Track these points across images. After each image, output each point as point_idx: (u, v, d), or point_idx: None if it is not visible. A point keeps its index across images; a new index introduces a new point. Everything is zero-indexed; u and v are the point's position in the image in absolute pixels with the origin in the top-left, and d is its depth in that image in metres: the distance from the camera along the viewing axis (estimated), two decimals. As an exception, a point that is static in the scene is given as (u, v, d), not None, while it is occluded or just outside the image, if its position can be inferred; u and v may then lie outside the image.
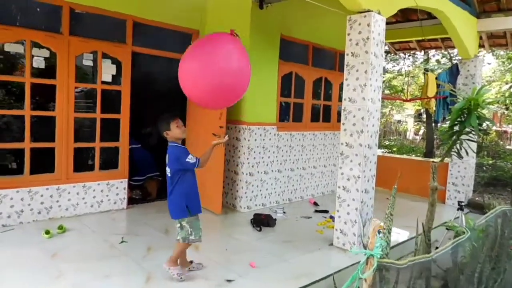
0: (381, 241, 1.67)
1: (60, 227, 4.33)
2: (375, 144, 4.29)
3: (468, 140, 3.31)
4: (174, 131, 3.36)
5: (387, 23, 8.20)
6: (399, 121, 26.35)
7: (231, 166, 5.76)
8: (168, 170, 3.36)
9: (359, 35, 4.16)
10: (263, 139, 5.75)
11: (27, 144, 4.53)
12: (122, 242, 4.17)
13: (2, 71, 4.46)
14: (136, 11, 5.23)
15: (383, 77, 16.28)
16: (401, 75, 16.60)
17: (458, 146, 3.36)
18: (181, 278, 3.35)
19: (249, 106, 5.52)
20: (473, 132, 3.19)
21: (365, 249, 1.72)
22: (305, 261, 3.97)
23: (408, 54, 14.39)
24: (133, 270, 3.51)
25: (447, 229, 4.16)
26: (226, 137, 3.58)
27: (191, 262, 3.64)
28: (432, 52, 14.74)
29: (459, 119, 3.20)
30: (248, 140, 5.54)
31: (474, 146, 6.61)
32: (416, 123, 24.16)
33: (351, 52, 4.24)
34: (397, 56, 14.49)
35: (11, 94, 4.66)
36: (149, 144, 7.28)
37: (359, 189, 4.16)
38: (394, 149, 16.39)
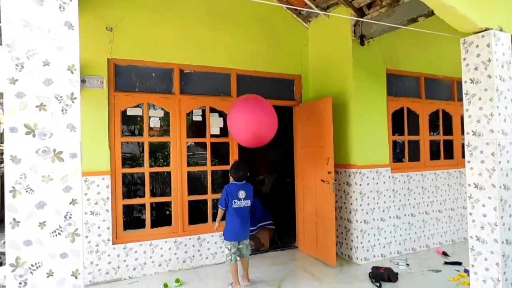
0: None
1: (177, 280, 4.48)
2: (514, 184, 3.56)
3: None
4: None
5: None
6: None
7: (343, 214, 5.40)
8: (248, 201, 4.44)
9: (478, 58, 3.63)
10: (377, 183, 5.30)
11: (147, 199, 4.92)
12: (233, 298, 4.11)
13: (126, 133, 5.02)
14: (239, 64, 5.49)
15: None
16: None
17: None
18: None
19: (358, 148, 5.19)
20: None
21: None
22: (436, 328, 3.35)
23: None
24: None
25: None
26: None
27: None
28: None
29: None
30: (360, 184, 5.16)
31: None
32: None
33: (470, 79, 3.70)
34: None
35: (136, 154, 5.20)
36: (262, 193, 7.37)
37: (498, 239, 3.44)
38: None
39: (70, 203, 1.82)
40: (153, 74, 5.01)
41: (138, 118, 5.15)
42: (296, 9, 5.85)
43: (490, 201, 3.52)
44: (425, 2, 3.58)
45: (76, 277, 1.80)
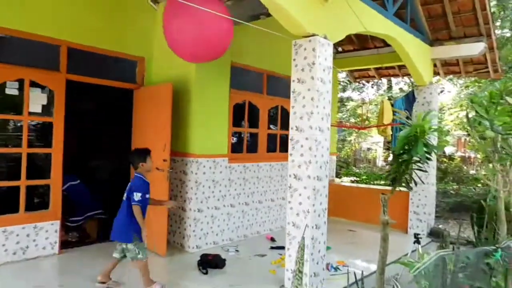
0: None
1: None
2: (325, 176, 3.98)
3: (418, 169, 3.03)
4: (148, 164, 3.87)
5: (345, 51, 8.25)
6: (368, 149, 26.56)
7: (178, 202, 5.30)
8: (124, 196, 3.79)
9: (305, 61, 3.93)
10: (213, 172, 5.36)
11: None
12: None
13: None
14: (72, 37, 4.85)
15: (347, 105, 16.31)
16: (365, 103, 16.89)
17: (407, 176, 3.08)
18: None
19: (196, 137, 5.15)
20: (422, 161, 2.92)
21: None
22: (251, 310, 3.52)
23: (371, 82, 14.52)
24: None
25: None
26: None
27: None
28: (395, 80, 15.00)
29: (406, 147, 2.93)
30: (196, 173, 5.13)
31: (433, 173, 6.44)
32: (384, 151, 24.41)
33: (297, 78, 3.99)
34: (361, 84, 14.66)
35: None
36: (96, 179, 6.78)
37: (309, 224, 3.80)
38: (364, 177, 16.25)
39: None
40: None
41: None
42: (143, -14, 5.47)
43: (305, 191, 3.85)
44: (262, 1, 3.69)
45: None
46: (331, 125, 4.27)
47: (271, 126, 6.87)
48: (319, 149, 3.89)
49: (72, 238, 5.32)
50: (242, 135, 6.23)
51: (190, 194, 5.11)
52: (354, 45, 7.94)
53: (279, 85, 6.75)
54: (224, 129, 5.55)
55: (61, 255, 4.78)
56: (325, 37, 4.00)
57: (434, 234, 6.36)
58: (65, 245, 5.02)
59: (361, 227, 6.94)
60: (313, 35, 3.90)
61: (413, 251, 4.47)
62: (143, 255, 3.76)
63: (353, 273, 3.16)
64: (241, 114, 6.02)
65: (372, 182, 14.59)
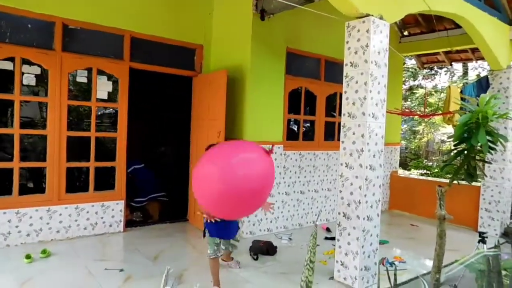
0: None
1: (44, 251, 4.14)
2: (379, 166, 3.79)
3: (479, 160, 2.76)
4: None
5: (411, 35, 7.72)
6: (442, 141, 24.85)
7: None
8: None
9: (358, 43, 3.74)
10: (268, 159, 5.35)
11: (16, 164, 4.42)
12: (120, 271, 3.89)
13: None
14: (134, 26, 5.11)
15: (416, 93, 15.31)
16: (437, 91, 15.75)
17: (469, 167, 2.82)
18: None
19: (251, 124, 5.18)
20: (484, 151, 2.65)
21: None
22: (296, 298, 3.49)
23: (444, 69, 13.46)
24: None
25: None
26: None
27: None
28: (472, 65, 13.82)
29: (465, 135, 2.68)
30: (250, 160, 5.17)
31: (509, 168, 5.81)
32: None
33: (350, 62, 3.82)
34: (433, 71, 13.67)
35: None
36: (160, 165, 7.14)
37: (360, 216, 3.66)
38: (435, 170, 15.28)
39: None
40: (29, 25, 4.44)
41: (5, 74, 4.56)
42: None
43: (357, 180, 3.71)
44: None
45: None
46: (387, 112, 4.05)
47: (333, 113, 6.69)
48: (372, 137, 3.71)
49: (136, 218, 5.68)
50: (298, 122, 6.14)
51: (244, 180, 5.17)
52: (422, 27, 7.40)
53: (338, 71, 6.47)
54: (279, 116, 5.52)
55: (125, 233, 5.13)
56: (380, 18, 3.77)
57: (509, 234, 5.79)
58: (130, 224, 5.38)
59: (425, 222, 6.54)
60: (367, 15, 3.69)
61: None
62: (210, 251, 3.58)
63: (404, 270, 2.99)
64: (297, 101, 5.93)
65: (444, 176, 13.66)
